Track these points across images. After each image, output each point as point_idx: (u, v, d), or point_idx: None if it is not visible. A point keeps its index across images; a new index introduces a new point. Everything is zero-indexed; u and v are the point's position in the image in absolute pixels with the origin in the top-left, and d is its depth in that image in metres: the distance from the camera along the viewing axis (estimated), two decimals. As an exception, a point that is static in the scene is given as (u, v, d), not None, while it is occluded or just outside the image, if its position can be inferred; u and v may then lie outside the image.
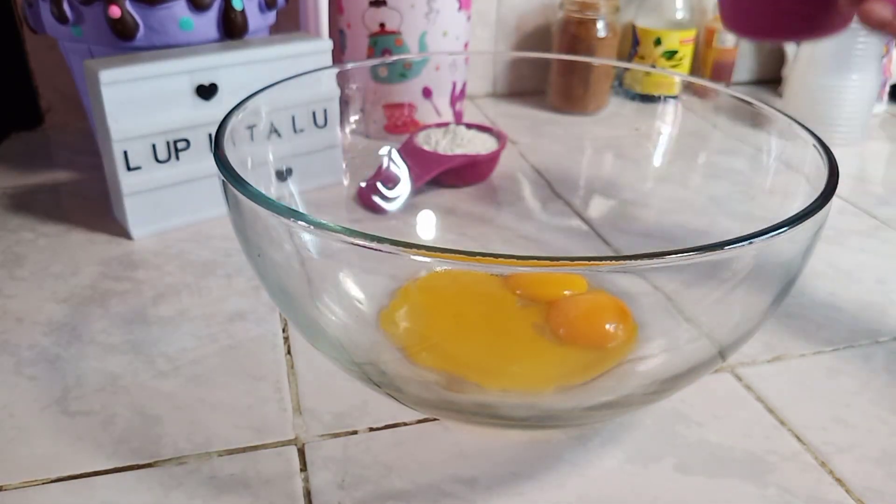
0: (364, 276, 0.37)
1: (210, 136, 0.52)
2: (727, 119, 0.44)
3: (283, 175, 0.44)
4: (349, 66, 0.46)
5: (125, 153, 0.49)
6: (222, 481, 0.32)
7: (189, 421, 0.36)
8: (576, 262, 0.26)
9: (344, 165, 0.51)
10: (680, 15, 0.79)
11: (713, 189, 0.45)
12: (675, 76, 0.52)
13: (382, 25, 0.65)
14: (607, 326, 0.37)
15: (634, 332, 0.37)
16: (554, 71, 0.77)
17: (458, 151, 0.56)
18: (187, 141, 0.51)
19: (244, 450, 0.34)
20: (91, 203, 0.57)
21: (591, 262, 0.26)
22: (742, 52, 0.89)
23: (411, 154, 0.56)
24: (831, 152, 0.32)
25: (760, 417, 0.37)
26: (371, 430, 0.35)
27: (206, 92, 0.51)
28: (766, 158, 0.40)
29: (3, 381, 0.38)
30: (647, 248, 0.25)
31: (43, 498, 0.32)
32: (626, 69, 0.51)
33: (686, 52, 0.80)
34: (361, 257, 0.32)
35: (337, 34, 0.69)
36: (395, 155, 0.56)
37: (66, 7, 0.51)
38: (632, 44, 0.82)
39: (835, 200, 0.29)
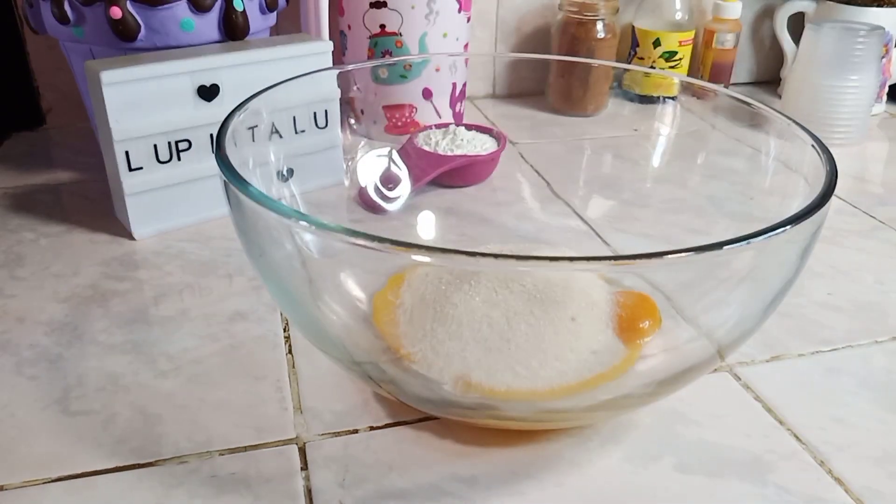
0: (365, 275, 0.37)
1: (211, 136, 0.52)
2: (726, 120, 0.44)
3: (284, 175, 0.44)
4: (350, 67, 0.46)
5: (127, 153, 0.49)
6: (223, 480, 0.32)
7: (190, 420, 0.36)
8: (576, 261, 0.26)
9: (344, 166, 0.52)
10: (679, 16, 0.79)
11: (712, 189, 0.45)
12: (674, 77, 0.52)
13: (383, 27, 0.65)
14: (643, 324, 0.36)
15: (660, 324, 0.37)
16: (553, 72, 0.77)
17: (458, 152, 0.57)
18: (189, 141, 0.51)
19: (245, 449, 0.34)
20: (92, 203, 0.57)
21: (592, 262, 0.26)
22: (741, 53, 0.89)
23: (411, 154, 0.56)
24: (830, 153, 0.32)
25: (759, 417, 0.37)
26: (371, 429, 0.36)
27: (208, 93, 0.51)
28: (765, 159, 0.40)
29: (4, 380, 0.38)
30: (647, 248, 0.25)
31: (44, 497, 0.32)
32: (626, 70, 0.51)
33: (685, 53, 0.80)
34: (362, 257, 0.32)
35: (337, 35, 0.69)
36: (396, 155, 0.56)
37: (67, 7, 0.51)
38: (631, 45, 0.82)
39: (833, 200, 0.29)
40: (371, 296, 0.37)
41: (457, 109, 0.69)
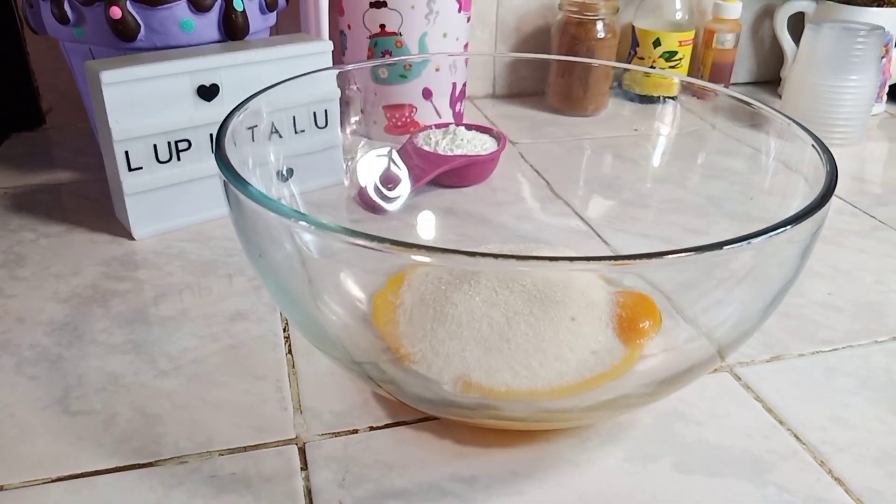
0: (364, 275, 0.37)
1: (211, 136, 0.52)
2: (726, 120, 0.44)
3: (283, 175, 0.44)
4: (349, 66, 0.46)
5: (126, 153, 0.49)
6: (223, 480, 0.32)
7: (190, 420, 0.36)
8: (576, 261, 0.26)
9: (344, 166, 0.52)
10: (679, 16, 0.79)
11: (712, 189, 0.45)
12: (674, 77, 0.52)
13: (383, 26, 0.65)
14: (643, 324, 0.36)
15: (660, 324, 0.36)
16: (553, 72, 0.77)
17: (458, 152, 0.57)
18: (188, 141, 0.51)
19: (245, 449, 0.34)
20: (92, 203, 0.57)
21: (591, 262, 0.26)
22: (741, 53, 0.89)
23: (411, 154, 0.56)
24: (830, 152, 0.32)
25: (759, 417, 0.37)
26: (371, 429, 0.36)
27: (208, 93, 0.51)
28: (765, 159, 0.40)
29: (5, 380, 0.38)
30: (647, 248, 0.25)
31: (44, 497, 0.32)
32: (626, 70, 0.51)
33: (685, 53, 0.80)
34: (362, 257, 0.32)
35: (337, 35, 0.69)
36: (396, 155, 0.56)
37: (66, 8, 0.51)
38: (631, 45, 0.82)
39: (833, 200, 0.29)
40: (371, 296, 0.37)
41: (457, 109, 0.69)
